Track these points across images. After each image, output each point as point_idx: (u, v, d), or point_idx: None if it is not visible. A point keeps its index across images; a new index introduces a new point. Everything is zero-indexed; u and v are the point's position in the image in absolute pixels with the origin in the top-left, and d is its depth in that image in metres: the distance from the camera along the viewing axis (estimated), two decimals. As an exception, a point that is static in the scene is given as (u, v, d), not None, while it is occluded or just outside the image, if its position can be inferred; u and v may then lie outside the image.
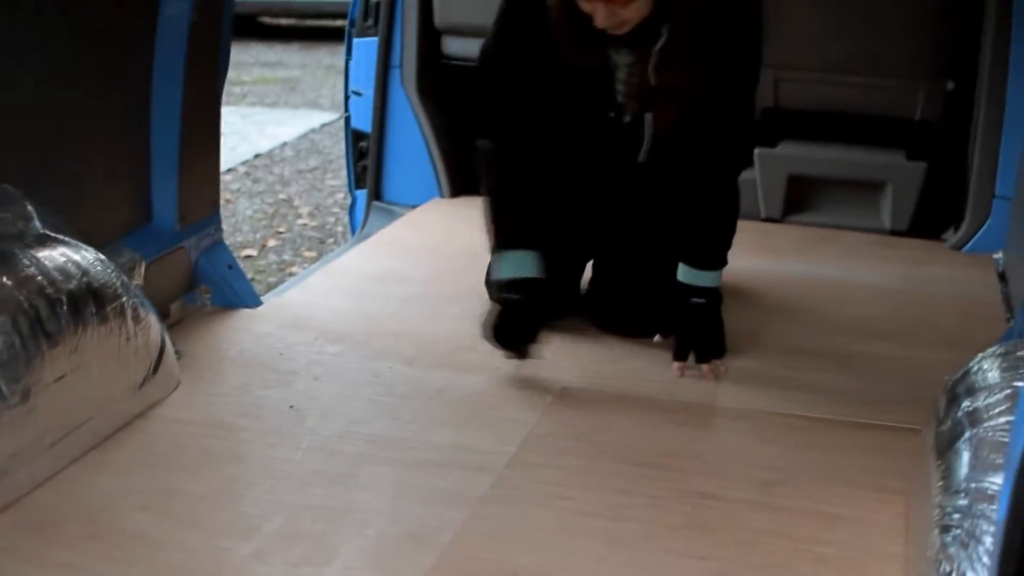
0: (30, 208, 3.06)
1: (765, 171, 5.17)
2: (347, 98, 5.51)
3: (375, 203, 5.37)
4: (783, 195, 5.19)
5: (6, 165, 3.14)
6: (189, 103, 3.77)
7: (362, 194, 5.43)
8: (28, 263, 2.83)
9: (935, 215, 5.08)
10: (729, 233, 3.58)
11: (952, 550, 2.02)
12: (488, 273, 3.90)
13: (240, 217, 7.37)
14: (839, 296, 4.27)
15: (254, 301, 4.01)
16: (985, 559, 1.92)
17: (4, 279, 2.75)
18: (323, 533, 2.61)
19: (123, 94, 3.67)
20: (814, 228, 5.12)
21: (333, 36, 12.63)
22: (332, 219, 7.41)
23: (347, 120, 5.53)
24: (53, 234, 3.04)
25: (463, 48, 5.16)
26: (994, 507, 1.98)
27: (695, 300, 3.53)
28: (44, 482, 2.77)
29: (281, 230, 7.15)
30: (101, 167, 3.60)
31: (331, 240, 6.94)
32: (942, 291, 4.38)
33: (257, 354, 3.61)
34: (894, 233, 5.08)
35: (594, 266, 3.94)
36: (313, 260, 6.24)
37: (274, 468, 2.91)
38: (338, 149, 8.84)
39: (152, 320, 3.22)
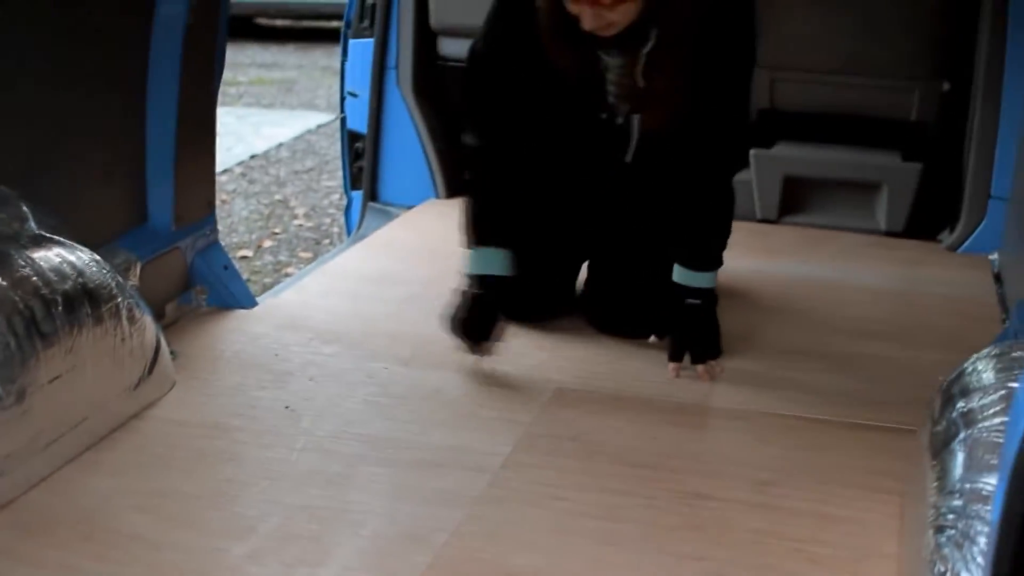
0: (25, 209, 3.06)
1: (761, 172, 5.17)
2: (343, 99, 5.51)
3: (371, 204, 5.37)
4: (779, 196, 5.19)
5: (1, 166, 3.14)
6: (185, 104, 3.77)
7: (358, 195, 5.43)
8: (23, 264, 2.83)
9: (931, 216, 5.08)
10: (724, 234, 3.58)
11: (947, 550, 2.02)
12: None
13: (236, 218, 7.37)
14: (835, 297, 4.28)
15: (249, 302, 4.01)
16: (979, 559, 1.92)
17: (-1, 280, 2.75)
18: (319, 533, 2.61)
19: (119, 95, 3.66)
20: (810, 229, 5.12)
21: (329, 37, 12.61)
22: (328, 220, 7.41)
23: (343, 121, 5.53)
24: (48, 235, 3.04)
25: (459, 49, 5.14)
26: (988, 508, 1.98)
27: (690, 301, 3.53)
28: (39, 483, 2.77)
29: (277, 231, 7.15)
30: (97, 168, 3.59)
31: (327, 241, 6.94)
32: (938, 292, 4.38)
33: (252, 355, 3.61)
34: (890, 234, 5.08)
35: (590, 267, 3.94)
36: (309, 261, 6.24)
37: (269, 469, 2.90)
38: (334, 150, 8.82)
39: (147, 321, 3.21)
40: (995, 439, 2.23)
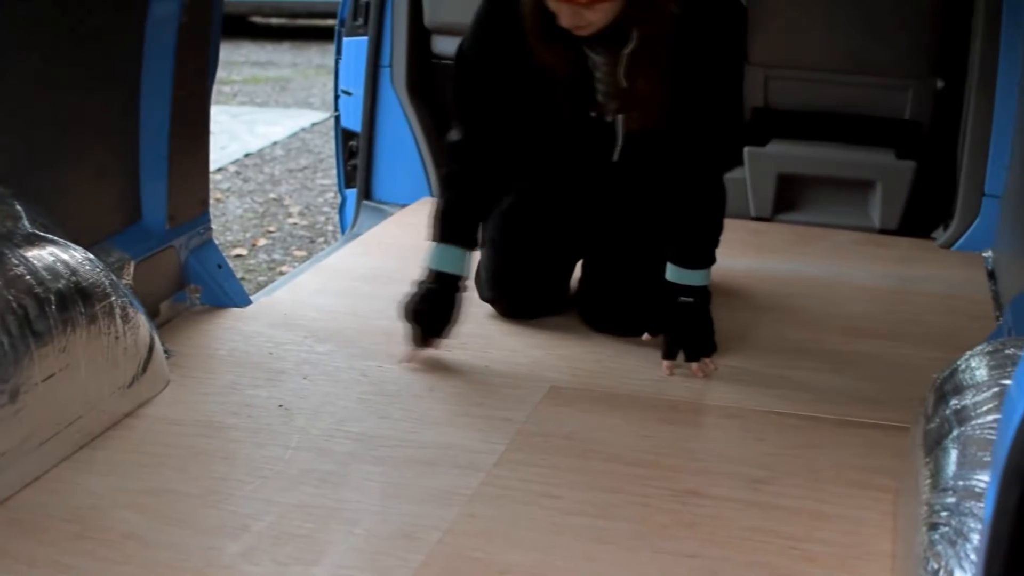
0: (19, 207, 3.06)
1: (755, 170, 5.17)
2: (337, 97, 5.51)
3: (365, 202, 5.37)
4: (773, 194, 5.20)
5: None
6: (178, 103, 3.77)
7: (352, 193, 5.43)
8: (17, 262, 2.83)
9: (924, 214, 5.08)
10: (716, 232, 3.58)
11: (940, 548, 2.02)
12: (477, 272, 3.91)
13: (230, 216, 7.37)
14: (829, 295, 4.28)
15: (243, 300, 4.01)
16: (972, 556, 1.92)
17: (-7, 279, 2.75)
18: (312, 532, 2.61)
19: (112, 93, 3.66)
20: (804, 227, 5.13)
21: (323, 35, 12.66)
22: (322, 218, 7.41)
23: (337, 119, 5.54)
24: (42, 233, 3.04)
25: (453, 48, 5.11)
26: (981, 505, 1.98)
27: (684, 299, 3.53)
28: (33, 481, 2.77)
29: (271, 229, 7.15)
30: (90, 166, 3.59)
31: (321, 239, 6.94)
32: (931, 289, 4.38)
33: (247, 353, 3.61)
34: (884, 232, 5.09)
35: (583, 265, 3.95)
36: (303, 259, 6.24)
37: (263, 467, 2.90)
38: (328, 148, 8.84)
39: (141, 319, 3.22)
40: (988, 436, 2.23)
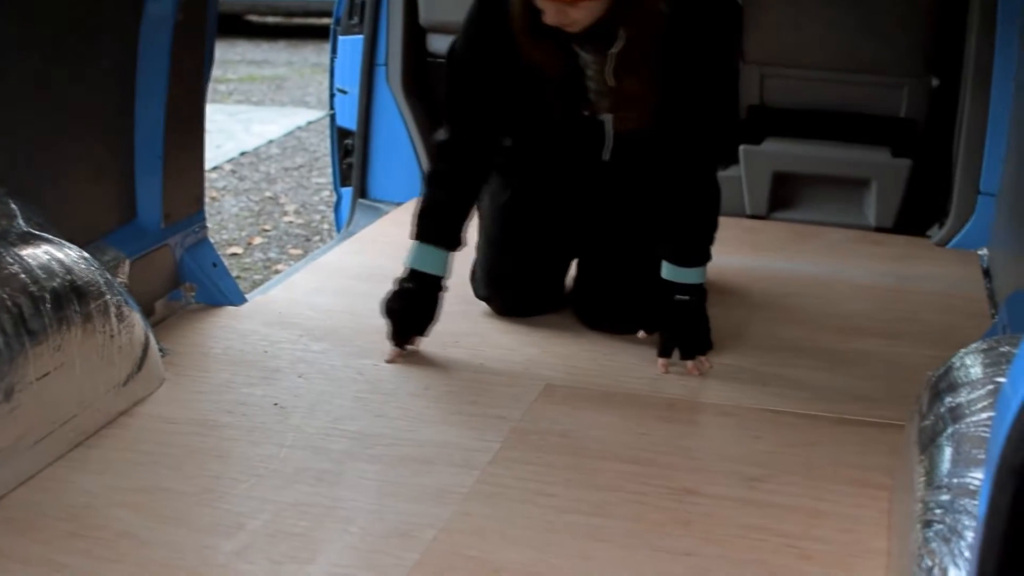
0: (13, 206, 3.06)
1: (750, 168, 5.18)
2: (332, 96, 5.51)
3: (360, 200, 5.37)
4: (768, 192, 5.20)
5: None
6: (173, 101, 3.77)
7: (347, 191, 5.43)
8: (11, 261, 2.83)
9: (920, 212, 5.09)
10: (710, 229, 3.58)
11: (934, 545, 2.02)
12: (472, 270, 3.91)
13: (226, 215, 7.37)
14: (824, 293, 4.28)
15: (239, 299, 4.01)
16: (967, 554, 1.92)
17: (-13, 277, 2.75)
18: (307, 530, 2.61)
19: (107, 92, 3.66)
20: (799, 225, 5.13)
21: (319, 34, 12.63)
22: (318, 217, 7.40)
23: (332, 118, 5.53)
24: (37, 232, 3.03)
25: (448, 46, 5.16)
26: (976, 502, 1.99)
27: (680, 297, 3.53)
28: (28, 480, 2.77)
29: (267, 228, 7.14)
30: (85, 165, 3.59)
31: (317, 238, 6.93)
32: (927, 287, 4.39)
33: (242, 352, 3.61)
34: (879, 230, 5.09)
35: (579, 263, 3.95)
36: (299, 258, 6.24)
37: (258, 465, 2.90)
38: (324, 147, 8.84)
39: (136, 318, 3.21)
40: (982, 434, 2.23)
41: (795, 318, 4.02)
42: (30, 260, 2.88)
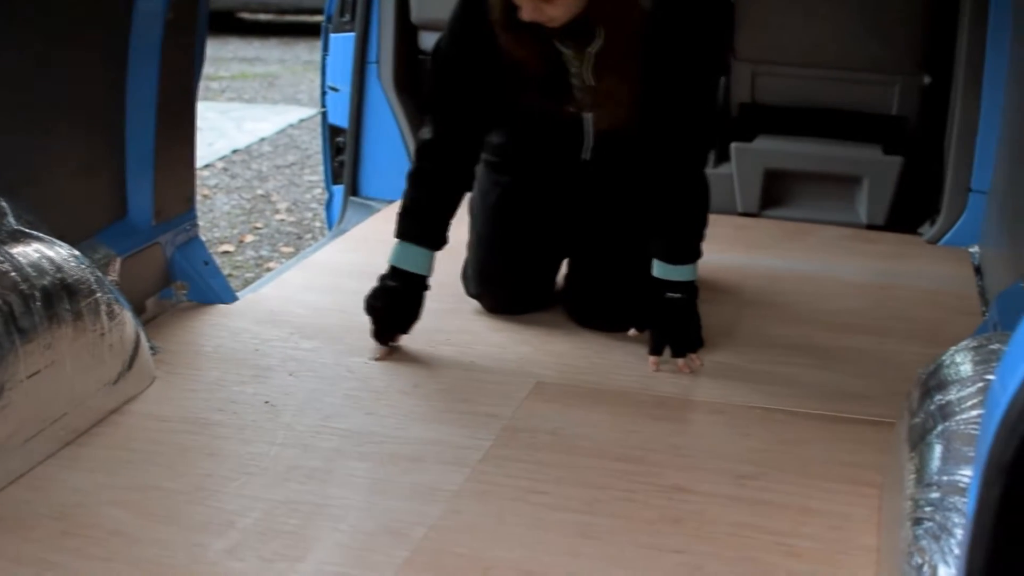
0: (4, 204, 3.05)
1: (742, 166, 5.18)
2: (324, 93, 5.51)
3: (352, 198, 5.37)
4: (760, 189, 5.20)
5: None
6: (164, 99, 3.76)
7: (339, 189, 5.43)
8: (1, 259, 2.83)
9: (911, 209, 5.09)
10: (700, 227, 3.58)
11: (924, 543, 2.03)
12: (464, 268, 3.92)
13: (217, 213, 7.36)
14: (815, 290, 4.28)
15: (229, 297, 4.01)
16: (956, 551, 1.92)
17: (-23, 275, 2.75)
18: (298, 528, 2.61)
19: (98, 90, 3.66)
20: (791, 222, 5.13)
21: (312, 32, 12.63)
22: (310, 215, 7.40)
23: (324, 116, 5.53)
24: (27, 230, 3.03)
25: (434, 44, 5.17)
26: (965, 500, 1.99)
27: (671, 295, 3.53)
28: (18, 478, 2.76)
29: (258, 226, 7.14)
30: (76, 163, 3.59)
31: (309, 236, 6.93)
32: (918, 285, 4.39)
33: (233, 350, 3.61)
34: (870, 227, 5.10)
35: (570, 261, 3.94)
36: (291, 255, 6.23)
37: (249, 463, 2.90)
38: (316, 144, 8.83)
39: (127, 316, 3.21)
40: (972, 431, 2.23)
41: (786, 316, 4.02)
42: (20, 258, 2.88)
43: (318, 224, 7.13)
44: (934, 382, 2.53)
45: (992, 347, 2.52)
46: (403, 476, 2.86)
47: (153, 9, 3.65)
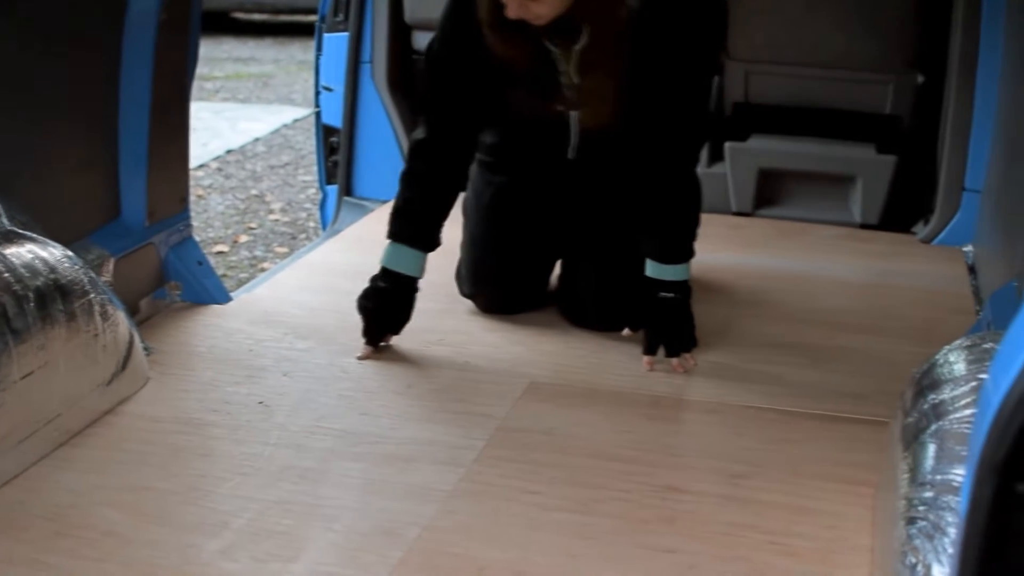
0: (-3, 205, 3.05)
1: (736, 165, 5.18)
2: (318, 94, 5.51)
3: (346, 198, 5.37)
4: (754, 189, 5.21)
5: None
6: (158, 99, 3.76)
7: (333, 189, 5.43)
8: (-6, 260, 2.83)
9: (905, 208, 5.10)
10: (692, 226, 3.57)
11: (918, 542, 2.03)
12: (457, 268, 3.92)
13: (212, 213, 7.35)
14: (809, 289, 4.29)
15: (223, 297, 4.00)
16: (950, 551, 1.92)
17: (-30, 276, 2.75)
18: (291, 528, 2.61)
19: (91, 90, 3.65)
20: (785, 222, 5.14)
21: (306, 31, 12.60)
22: (304, 215, 7.40)
23: (318, 116, 5.53)
24: (20, 231, 3.03)
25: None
26: (959, 499, 1.99)
27: (664, 294, 3.53)
28: (12, 479, 2.76)
29: (253, 226, 7.14)
30: (69, 163, 3.58)
31: (303, 236, 6.92)
32: (912, 284, 4.39)
33: (226, 350, 3.61)
34: (864, 226, 5.10)
35: (563, 261, 3.94)
36: (285, 256, 6.23)
37: (243, 464, 2.90)
38: (310, 144, 8.83)
39: (121, 316, 3.21)
40: (965, 431, 2.23)
41: (780, 315, 4.02)
42: (14, 259, 2.87)
43: (312, 224, 7.12)
44: (928, 381, 2.53)
45: (985, 346, 2.52)
46: (397, 476, 2.85)
47: (147, 9, 3.65)
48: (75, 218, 3.59)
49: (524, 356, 3.60)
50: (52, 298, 2.91)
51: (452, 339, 3.70)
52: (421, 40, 5.34)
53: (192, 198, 4.11)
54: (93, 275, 3.15)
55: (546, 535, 2.61)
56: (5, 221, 3.03)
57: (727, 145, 5.17)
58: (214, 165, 8.55)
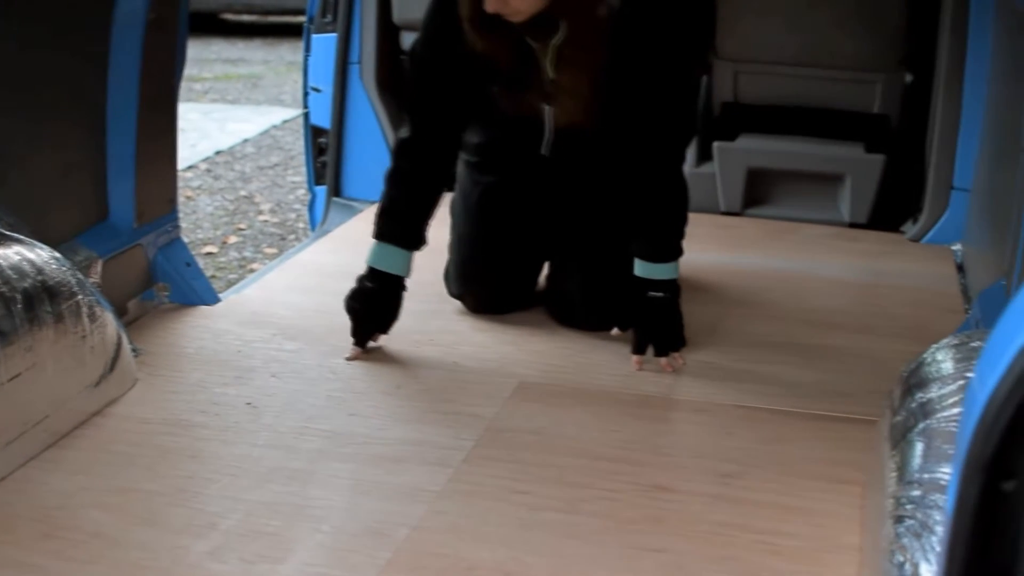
0: (-17, 207, 3.05)
1: (725, 164, 5.18)
2: (306, 94, 5.50)
3: (334, 199, 5.36)
4: (742, 188, 5.21)
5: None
6: (146, 100, 3.76)
7: (322, 190, 5.42)
8: (-18, 261, 2.82)
9: (894, 207, 5.10)
10: (679, 224, 3.57)
11: (905, 540, 2.03)
12: (446, 268, 3.92)
13: (201, 214, 7.35)
14: (798, 289, 4.29)
15: (212, 298, 4.00)
16: (938, 549, 1.92)
17: (-43, 278, 2.74)
18: (280, 529, 2.60)
19: (79, 91, 3.65)
20: (774, 221, 5.14)
21: (296, 32, 12.55)
22: (293, 215, 7.39)
23: (306, 116, 5.53)
24: (7, 232, 3.02)
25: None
26: (946, 497, 1.99)
27: (653, 294, 3.53)
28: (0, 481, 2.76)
29: (242, 227, 7.13)
30: (57, 165, 3.58)
31: (292, 236, 6.92)
32: (901, 283, 4.39)
33: (215, 351, 3.61)
34: (853, 225, 5.11)
35: (551, 261, 3.94)
36: (274, 256, 6.22)
37: (231, 465, 2.90)
38: (299, 145, 8.82)
39: (108, 318, 3.21)
40: (953, 429, 2.24)
41: (769, 314, 4.02)
42: (1, 261, 2.87)
43: (301, 225, 7.12)
44: (915, 380, 2.54)
45: (973, 345, 2.53)
46: (386, 477, 2.85)
47: (134, 9, 3.65)
48: (63, 220, 3.59)
49: (513, 356, 3.60)
50: (40, 300, 2.91)
51: (441, 339, 3.70)
52: (409, 41, 5.32)
53: (181, 199, 4.11)
54: (81, 276, 3.15)
55: (535, 535, 2.61)
56: (-8, 223, 3.03)
57: (715, 145, 5.17)
58: (203, 166, 8.54)
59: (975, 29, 4.69)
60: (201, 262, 4.16)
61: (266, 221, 7.26)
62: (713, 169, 5.19)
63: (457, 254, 3.91)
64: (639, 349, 3.54)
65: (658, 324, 3.55)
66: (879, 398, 2.95)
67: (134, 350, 3.43)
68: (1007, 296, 3.26)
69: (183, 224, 4.11)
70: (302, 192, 7.77)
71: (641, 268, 3.53)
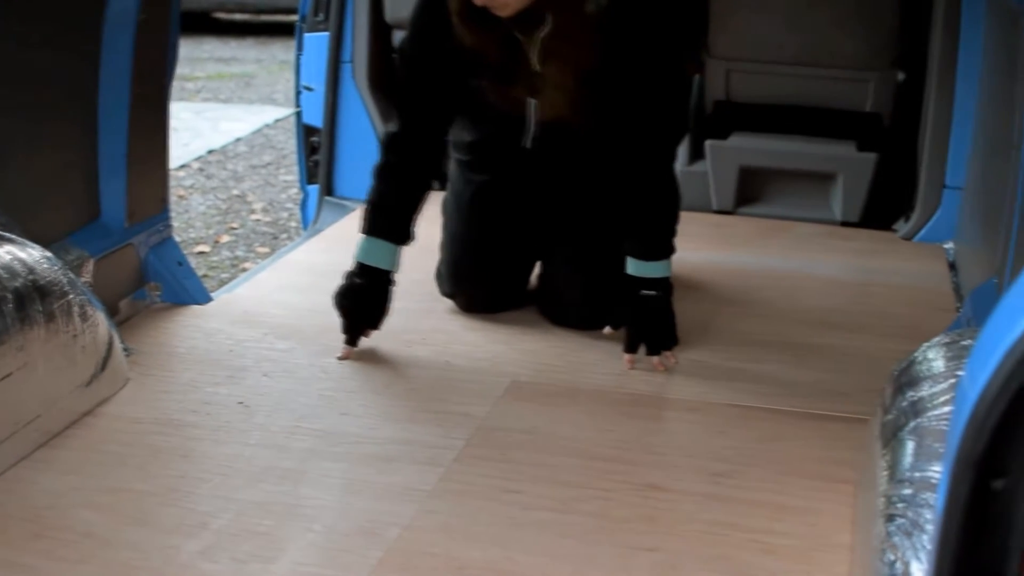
0: (-25, 206, 3.05)
1: (717, 163, 5.18)
2: (298, 93, 5.50)
3: (327, 198, 5.36)
4: (735, 187, 5.21)
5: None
6: (137, 99, 3.76)
7: (314, 189, 5.42)
8: (-28, 261, 2.82)
9: (886, 206, 5.10)
10: (671, 222, 3.58)
11: (896, 539, 2.03)
12: (438, 267, 3.91)
13: (193, 213, 7.34)
14: (791, 287, 4.29)
15: (204, 298, 4.00)
16: (929, 547, 1.92)
17: (-52, 277, 2.74)
18: (271, 529, 2.60)
19: (70, 90, 3.64)
20: (766, 220, 5.14)
21: (288, 31, 12.54)
22: (286, 214, 7.39)
23: (298, 115, 5.52)
24: (-2, 231, 3.03)
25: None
26: (937, 496, 1.99)
27: (645, 292, 3.53)
28: (-10, 481, 2.76)
29: (234, 226, 7.13)
30: (48, 164, 3.57)
31: (284, 235, 6.92)
32: (893, 281, 4.39)
33: (207, 351, 3.60)
34: (845, 224, 5.11)
35: (543, 259, 3.94)
36: (266, 256, 6.22)
37: (223, 464, 2.89)
38: (292, 144, 8.80)
39: (100, 317, 3.20)
40: (944, 427, 2.23)
41: (761, 313, 4.02)
42: (-8, 260, 2.87)
43: (294, 224, 7.12)
44: (906, 378, 2.54)
45: (964, 343, 2.53)
46: (377, 476, 2.85)
47: (126, 8, 3.64)
48: (54, 219, 3.59)
49: (505, 355, 3.60)
50: (31, 299, 2.90)
51: (433, 339, 3.70)
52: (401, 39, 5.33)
53: (173, 198, 4.10)
54: (72, 276, 3.14)
55: (527, 534, 2.60)
56: (-17, 222, 3.03)
57: (708, 143, 5.17)
58: (196, 165, 8.54)
59: (967, 27, 4.69)
60: (193, 261, 4.16)
61: (258, 220, 7.26)
62: (705, 167, 5.19)
63: (449, 253, 3.91)
64: (631, 348, 3.54)
65: (650, 323, 3.55)
66: (871, 396, 2.94)
67: (125, 349, 3.43)
68: (999, 294, 3.27)
69: (175, 223, 4.11)
70: (294, 191, 7.77)
71: (633, 266, 3.53)
